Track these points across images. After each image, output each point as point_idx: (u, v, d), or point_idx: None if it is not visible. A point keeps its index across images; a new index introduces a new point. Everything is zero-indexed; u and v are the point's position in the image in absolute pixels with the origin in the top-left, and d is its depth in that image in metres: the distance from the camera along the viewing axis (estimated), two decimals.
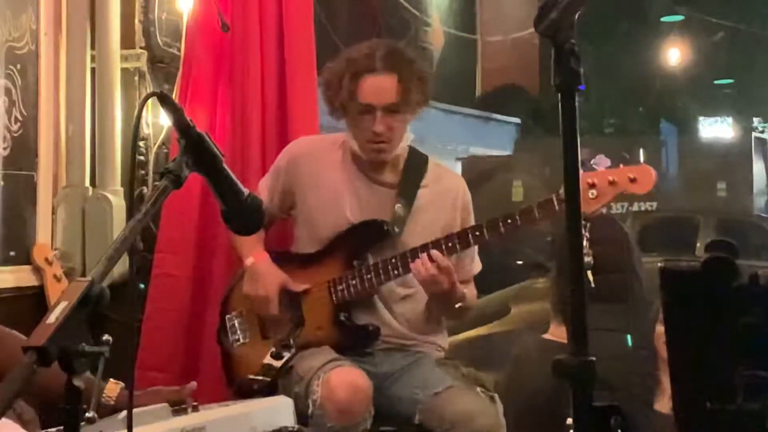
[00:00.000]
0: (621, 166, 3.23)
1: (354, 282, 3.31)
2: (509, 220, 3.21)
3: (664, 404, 3.89)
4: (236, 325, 3.48)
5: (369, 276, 3.29)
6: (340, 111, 3.32)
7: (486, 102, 20.62)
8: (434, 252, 3.18)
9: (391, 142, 3.30)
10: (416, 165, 3.43)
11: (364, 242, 3.36)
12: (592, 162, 3.20)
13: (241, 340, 3.46)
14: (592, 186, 3.16)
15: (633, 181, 3.19)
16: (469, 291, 3.43)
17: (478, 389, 3.18)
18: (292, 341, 3.35)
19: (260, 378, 3.31)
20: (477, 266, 3.48)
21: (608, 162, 3.22)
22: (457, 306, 3.36)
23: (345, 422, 3.06)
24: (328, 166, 3.42)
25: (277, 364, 3.32)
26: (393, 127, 3.27)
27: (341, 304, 3.34)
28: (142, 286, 3.86)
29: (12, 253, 3.74)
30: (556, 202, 3.13)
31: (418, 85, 3.28)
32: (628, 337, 4.30)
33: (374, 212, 3.36)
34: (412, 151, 3.43)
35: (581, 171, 3.10)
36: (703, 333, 1.72)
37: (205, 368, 3.78)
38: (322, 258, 3.39)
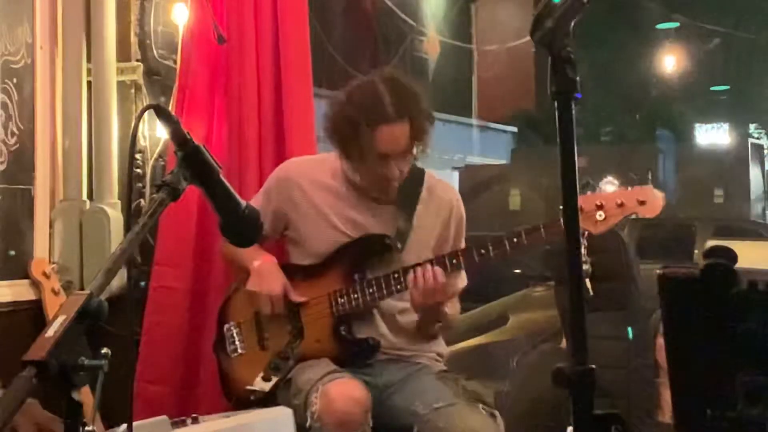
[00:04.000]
0: (629, 188, 3.22)
1: (356, 296, 3.30)
2: (515, 239, 3.20)
3: (665, 415, 3.90)
4: (234, 336, 3.46)
5: (371, 290, 3.28)
6: (346, 153, 3.27)
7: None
8: (437, 268, 3.19)
9: (400, 179, 3.30)
10: (414, 179, 3.41)
11: (365, 256, 3.35)
12: (600, 184, 3.20)
13: (239, 351, 3.45)
14: (600, 207, 3.15)
15: (642, 203, 3.17)
16: (452, 306, 3.42)
17: (480, 406, 3.16)
18: (290, 353, 3.34)
19: (258, 389, 3.30)
20: (463, 281, 3.48)
21: (616, 184, 3.21)
22: (436, 326, 3.38)
23: None
24: (321, 186, 3.41)
25: (276, 376, 3.31)
26: (404, 169, 3.27)
27: (341, 317, 3.33)
28: (142, 283, 3.86)
29: (10, 264, 3.74)
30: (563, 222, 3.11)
31: (428, 123, 3.27)
32: (630, 329, 4.31)
33: (372, 229, 3.36)
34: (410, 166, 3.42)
35: (589, 192, 3.11)
36: (703, 339, 1.72)
37: (204, 380, 3.78)
38: (322, 271, 3.38)
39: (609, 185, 3.20)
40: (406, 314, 3.38)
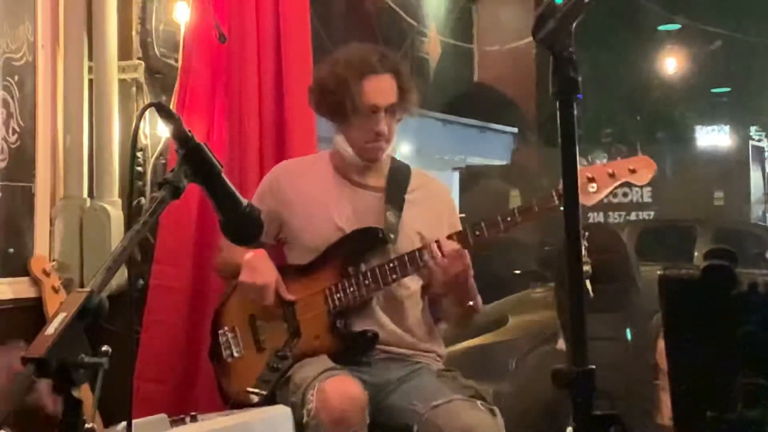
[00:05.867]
0: (619, 159, 3.26)
1: (352, 289, 3.30)
2: (509, 217, 3.22)
3: (663, 418, 3.90)
4: (229, 340, 3.45)
5: (367, 282, 3.28)
6: (336, 113, 3.33)
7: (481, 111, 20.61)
8: (447, 240, 3.19)
9: (389, 142, 3.36)
10: (400, 172, 3.47)
11: (359, 250, 3.36)
12: (590, 156, 3.22)
13: (236, 355, 3.44)
14: (592, 180, 3.18)
15: (632, 172, 3.21)
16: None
17: (479, 403, 3.16)
18: (288, 352, 3.34)
19: (257, 391, 3.29)
20: None
21: (606, 157, 3.25)
22: (469, 304, 3.35)
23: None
24: (312, 178, 3.44)
25: (274, 376, 3.30)
26: (391, 127, 3.33)
27: (338, 312, 3.33)
28: (141, 281, 3.86)
29: (10, 261, 3.74)
30: (555, 197, 3.13)
31: (412, 83, 3.36)
32: (628, 331, 4.31)
33: (364, 216, 3.37)
34: (394, 160, 3.48)
35: (580, 165, 3.13)
36: (703, 341, 1.72)
37: (203, 379, 3.77)
38: (316, 267, 3.38)
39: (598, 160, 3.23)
40: (406, 305, 3.37)
